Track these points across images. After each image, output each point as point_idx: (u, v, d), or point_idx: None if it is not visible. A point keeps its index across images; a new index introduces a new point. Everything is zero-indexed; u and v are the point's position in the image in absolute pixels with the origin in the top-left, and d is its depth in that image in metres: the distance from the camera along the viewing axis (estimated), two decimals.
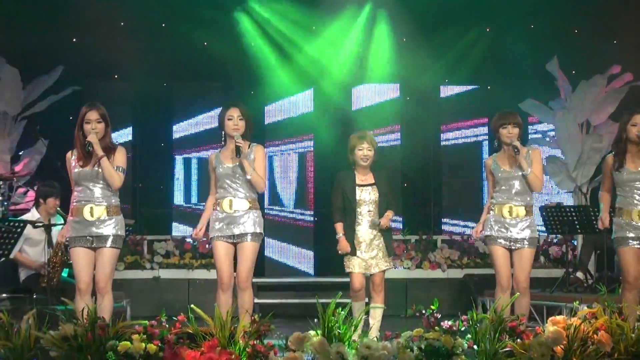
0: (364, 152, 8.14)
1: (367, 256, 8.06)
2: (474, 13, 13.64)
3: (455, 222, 14.63)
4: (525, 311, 7.76)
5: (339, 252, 8.07)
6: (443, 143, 14.88)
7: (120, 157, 7.46)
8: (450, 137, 14.86)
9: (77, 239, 7.34)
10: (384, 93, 14.44)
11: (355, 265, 8.04)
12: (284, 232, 14.33)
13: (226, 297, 7.47)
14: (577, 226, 11.18)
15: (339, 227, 8.13)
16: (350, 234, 8.09)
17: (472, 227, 12.43)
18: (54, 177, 10.16)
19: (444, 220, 14.78)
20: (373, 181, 8.18)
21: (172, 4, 13.20)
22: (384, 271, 8.13)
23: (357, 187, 8.13)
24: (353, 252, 8.04)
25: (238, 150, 7.47)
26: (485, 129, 14.41)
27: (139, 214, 14.24)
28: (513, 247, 7.81)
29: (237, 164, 7.57)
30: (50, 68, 13.50)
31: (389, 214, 8.12)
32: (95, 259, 7.37)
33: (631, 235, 7.72)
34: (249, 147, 7.62)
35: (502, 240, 7.82)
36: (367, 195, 8.12)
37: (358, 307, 7.78)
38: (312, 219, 14.43)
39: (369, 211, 8.11)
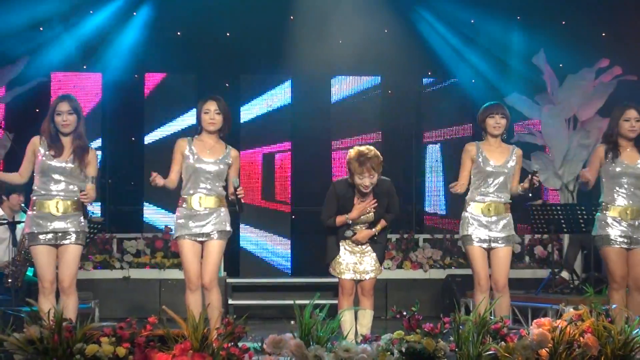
0: (364, 182, 7.58)
1: (358, 263, 7.80)
2: (461, 5, 13.67)
3: (438, 219, 14.68)
4: (506, 311, 7.82)
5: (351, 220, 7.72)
6: (426, 140, 14.91)
7: (93, 166, 7.47)
8: (433, 132, 14.88)
9: (38, 235, 7.30)
10: (365, 86, 14.40)
11: (341, 271, 7.80)
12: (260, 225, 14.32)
13: (195, 298, 7.46)
14: (564, 225, 11.22)
15: (340, 218, 7.73)
16: (339, 238, 7.84)
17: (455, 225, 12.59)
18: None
19: (427, 217, 14.84)
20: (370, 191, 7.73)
21: None
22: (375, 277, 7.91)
23: (355, 200, 7.74)
24: (334, 255, 7.82)
25: (241, 206, 7.54)
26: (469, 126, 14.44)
27: (108, 211, 14.21)
28: (492, 247, 7.83)
29: (217, 160, 7.57)
30: (14, 58, 13.44)
31: (378, 227, 7.78)
32: (59, 256, 7.33)
33: (615, 233, 7.75)
34: (225, 147, 7.63)
35: (480, 240, 7.83)
36: (363, 216, 7.78)
37: (348, 317, 7.60)
38: (290, 214, 14.42)
39: (362, 224, 7.80)
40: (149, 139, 14.37)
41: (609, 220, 7.79)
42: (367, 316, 7.77)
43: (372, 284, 7.86)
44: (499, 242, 7.82)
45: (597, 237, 7.88)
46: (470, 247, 7.85)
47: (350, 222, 7.72)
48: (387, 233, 8.08)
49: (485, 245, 7.82)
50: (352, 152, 7.66)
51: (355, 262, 7.79)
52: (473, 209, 7.88)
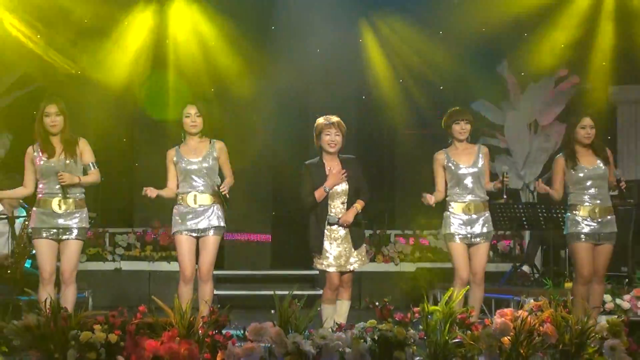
0: (331, 136, 7.64)
1: (341, 251, 7.63)
2: (431, 19, 13.66)
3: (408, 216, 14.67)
4: (480, 302, 7.85)
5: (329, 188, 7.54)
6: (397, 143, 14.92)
7: (88, 152, 7.52)
8: (405, 134, 14.85)
9: (42, 230, 7.34)
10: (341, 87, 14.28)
11: (329, 264, 7.63)
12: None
13: (187, 289, 7.46)
14: (525, 222, 11.26)
15: (319, 191, 7.56)
16: (322, 229, 7.64)
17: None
18: (18, 170, 10.06)
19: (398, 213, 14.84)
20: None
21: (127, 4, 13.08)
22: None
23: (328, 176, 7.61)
24: (320, 250, 7.61)
25: (226, 201, 7.54)
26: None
27: (100, 207, 14.15)
28: (473, 242, 7.85)
29: (202, 158, 7.57)
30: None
31: (357, 206, 7.63)
32: (61, 250, 7.39)
33: (584, 230, 7.79)
34: (210, 142, 7.63)
35: (462, 237, 7.85)
36: (338, 187, 7.62)
37: (328, 310, 7.48)
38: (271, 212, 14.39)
39: (342, 203, 7.65)
40: (138, 139, 14.32)
41: (579, 219, 7.83)
42: (344, 306, 7.69)
43: (351, 274, 7.75)
44: (479, 238, 7.85)
45: (568, 235, 7.90)
46: (452, 244, 7.88)
47: (328, 190, 7.56)
48: (362, 220, 7.86)
49: (466, 241, 7.85)
50: (318, 120, 7.79)
51: (339, 255, 7.63)
52: (454, 209, 7.91)
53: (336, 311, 7.61)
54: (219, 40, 13.49)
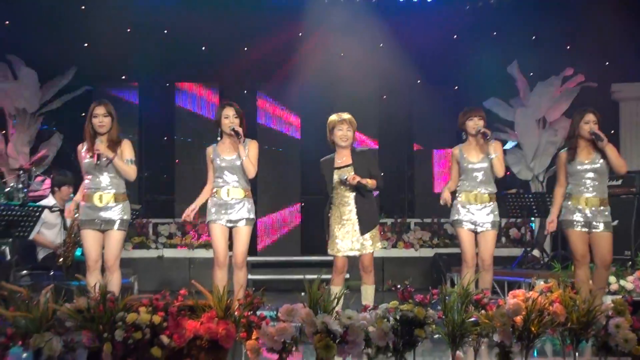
0: (343, 132, 7.74)
1: (353, 238, 7.71)
2: (444, 24, 13.60)
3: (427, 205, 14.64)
4: (489, 285, 7.83)
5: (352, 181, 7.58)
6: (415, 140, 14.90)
7: (128, 150, 7.52)
8: (423, 127, 14.83)
9: (87, 222, 7.43)
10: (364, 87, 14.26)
11: (338, 249, 7.72)
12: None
13: (222, 274, 7.50)
14: (535, 210, 11.22)
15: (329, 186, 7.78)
16: (335, 216, 7.75)
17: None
18: (68, 167, 10.14)
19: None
20: (350, 162, 7.77)
21: (173, 11, 13.09)
22: (372, 252, 7.79)
23: (334, 170, 7.75)
24: (330, 235, 7.75)
25: (237, 133, 7.54)
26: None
27: (145, 199, 14.24)
28: (478, 230, 7.85)
29: (236, 156, 7.59)
30: (64, 70, 13.48)
31: (369, 180, 7.63)
32: (105, 240, 7.42)
33: (577, 218, 7.74)
34: (244, 141, 7.63)
35: (468, 224, 7.86)
36: (344, 176, 7.68)
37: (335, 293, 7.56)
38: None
39: (351, 192, 7.70)
40: (179, 137, 14.38)
41: (571, 208, 7.78)
42: (369, 290, 7.75)
43: (369, 260, 7.77)
44: (485, 226, 7.85)
45: (563, 221, 7.86)
46: (460, 229, 7.91)
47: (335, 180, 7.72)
48: (373, 200, 7.93)
49: (472, 227, 7.83)
50: (331, 116, 7.87)
51: (345, 239, 7.70)
52: (462, 198, 7.92)
53: (363, 297, 7.68)
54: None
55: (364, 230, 7.73)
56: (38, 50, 12.85)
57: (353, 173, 7.66)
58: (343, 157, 7.82)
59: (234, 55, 13.69)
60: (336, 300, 5.62)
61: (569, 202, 7.81)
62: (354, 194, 7.73)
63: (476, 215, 7.86)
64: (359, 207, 7.74)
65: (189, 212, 7.67)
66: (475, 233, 7.89)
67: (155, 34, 13.37)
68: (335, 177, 7.74)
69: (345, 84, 13.76)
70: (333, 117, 7.85)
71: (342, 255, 7.71)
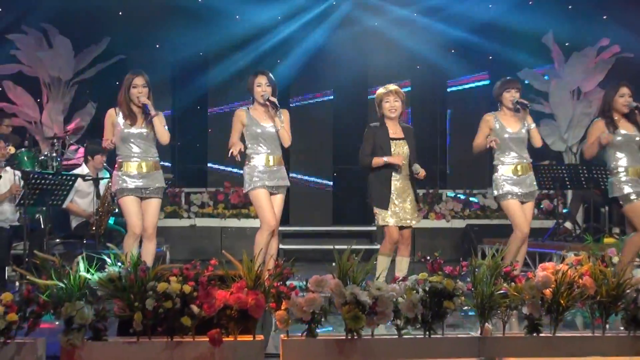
0: (390, 103, 7.73)
1: (401, 209, 7.72)
2: None
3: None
4: (524, 257, 7.84)
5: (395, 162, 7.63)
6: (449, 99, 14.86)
7: (161, 117, 7.53)
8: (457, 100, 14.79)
9: (125, 190, 7.42)
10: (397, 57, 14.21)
11: (390, 218, 7.72)
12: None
13: (268, 238, 7.48)
14: (567, 182, 11.14)
15: (378, 159, 7.68)
16: (386, 186, 7.72)
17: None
18: (102, 136, 10.20)
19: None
20: (403, 135, 7.80)
21: None
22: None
23: (391, 141, 7.74)
24: (385, 206, 7.69)
25: (274, 105, 7.51)
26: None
27: (177, 169, 14.33)
28: (523, 201, 7.81)
29: (271, 124, 7.58)
30: (98, 39, 13.54)
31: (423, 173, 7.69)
32: (143, 208, 7.46)
33: (631, 190, 7.65)
34: (277, 111, 7.61)
35: (515, 195, 7.78)
36: (400, 149, 7.73)
37: (384, 262, 7.59)
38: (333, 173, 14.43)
39: (402, 164, 7.71)
40: (211, 108, 14.44)
41: (624, 180, 7.69)
42: (404, 262, 7.77)
43: (409, 232, 7.83)
44: (526, 197, 7.81)
45: (620, 197, 7.72)
46: (506, 202, 7.82)
47: (386, 162, 7.65)
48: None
49: (517, 199, 7.78)
50: (378, 89, 7.89)
51: (401, 210, 7.71)
52: (503, 171, 7.83)
53: (397, 268, 7.69)
54: None
55: (418, 200, 7.92)
56: (72, 19, 12.93)
57: (407, 147, 7.73)
58: (395, 129, 7.82)
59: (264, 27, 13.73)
60: (366, 272, 5.61)
61: (618, 177, 7.71)
62: (409, 169, 7.76)
63: (521, 187, 7.80)
64: (413, 182, 7.81)
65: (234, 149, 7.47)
66: (522, 203, 7.84)
67: (188, 3, 13.38)
68: (393, 147, 7.71)
69: (378, 53, 13.77)
70: (380, 90, 7.86)
71: (396, 225, 7.72)
